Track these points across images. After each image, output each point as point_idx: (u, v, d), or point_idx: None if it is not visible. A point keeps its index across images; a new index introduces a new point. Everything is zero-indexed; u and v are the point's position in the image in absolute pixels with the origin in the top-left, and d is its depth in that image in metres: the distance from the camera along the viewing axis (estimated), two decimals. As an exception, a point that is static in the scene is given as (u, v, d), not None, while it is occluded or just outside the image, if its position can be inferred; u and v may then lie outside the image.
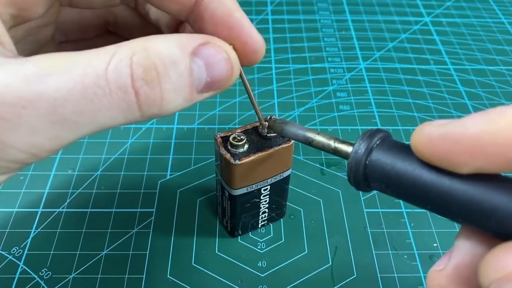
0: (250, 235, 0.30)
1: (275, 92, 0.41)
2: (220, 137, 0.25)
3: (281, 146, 0.25)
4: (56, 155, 0.34)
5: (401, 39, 0.48)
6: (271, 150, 0.24)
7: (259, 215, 0.29)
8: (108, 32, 0.25)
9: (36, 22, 0.19)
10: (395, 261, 0.28)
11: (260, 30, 0.19)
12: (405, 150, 0.16)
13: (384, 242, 0.29)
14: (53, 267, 0.27)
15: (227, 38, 0.18)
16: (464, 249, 0.15)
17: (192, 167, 0.34)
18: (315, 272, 0.28)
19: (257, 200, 0.27)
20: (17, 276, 0.27)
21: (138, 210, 0.31)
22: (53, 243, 0.29)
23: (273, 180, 0.27)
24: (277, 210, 0.29)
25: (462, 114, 0.39)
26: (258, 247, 0.29)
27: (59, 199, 0.31)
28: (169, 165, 0.34)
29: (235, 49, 0.18)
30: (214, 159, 0.30)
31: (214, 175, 0.29)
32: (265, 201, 0.28)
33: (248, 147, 0.25)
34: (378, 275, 0.28)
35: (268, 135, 0.25)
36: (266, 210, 0.28)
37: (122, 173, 0.33)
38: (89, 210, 0.31)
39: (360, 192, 0.26)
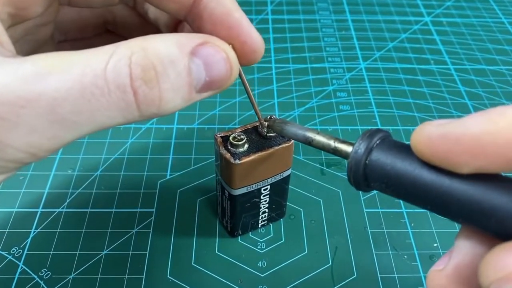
0: (250, 235, 0.30)
1: (275, 92, 0.41)
2: (220, 137, 0.25)
3: (281, 146, 0.25)
4: (56, 155, 0.34)
5: (401, 39, 0.48)
6: (271, 150, 0.24)
7: (259, 215, 0.29)
8: (107, 31, 0.25)
9: (34, 21, 0.19)
10: (395, 261, 0.28)
11: (260, 30, 0.19)
12: (405, 150, 0.16)
13: (384, 242, 0.29)
14: (53, 267, 0.27)
15: (226, 38, 0.18)
16: (464, 249, 0.15)
17: (192, 167, 0.34)
18: (315, 272, 0.28)
19: (257, 200, 0.27)
20: (16, 276, 0.27)
21: (138, 210, 0.31)
22: (53, 243, 0.29)
23: (273, 180, 0.26)
24: (277, 210, 0.29)
25: (462, 114, 0.39)
26: (258, 247, 0.29)
27: (59, 199, 0.31)
28: (169, 165, 0.34)
29: (234, 48, 0.18)
30: (214, 159, 0.30)
31: (214, 175, 0.29)
32: (265, 201, 0.28)
33: (248, 147, 0.25)
34: (378, 275, 0.28)
35: (268, 135, 0.25)
36: (266, 210, 0.28)
37: (122, 173, 0.33)
38: (89, 210, 0.31)
39: (360, 192, 0.26)
